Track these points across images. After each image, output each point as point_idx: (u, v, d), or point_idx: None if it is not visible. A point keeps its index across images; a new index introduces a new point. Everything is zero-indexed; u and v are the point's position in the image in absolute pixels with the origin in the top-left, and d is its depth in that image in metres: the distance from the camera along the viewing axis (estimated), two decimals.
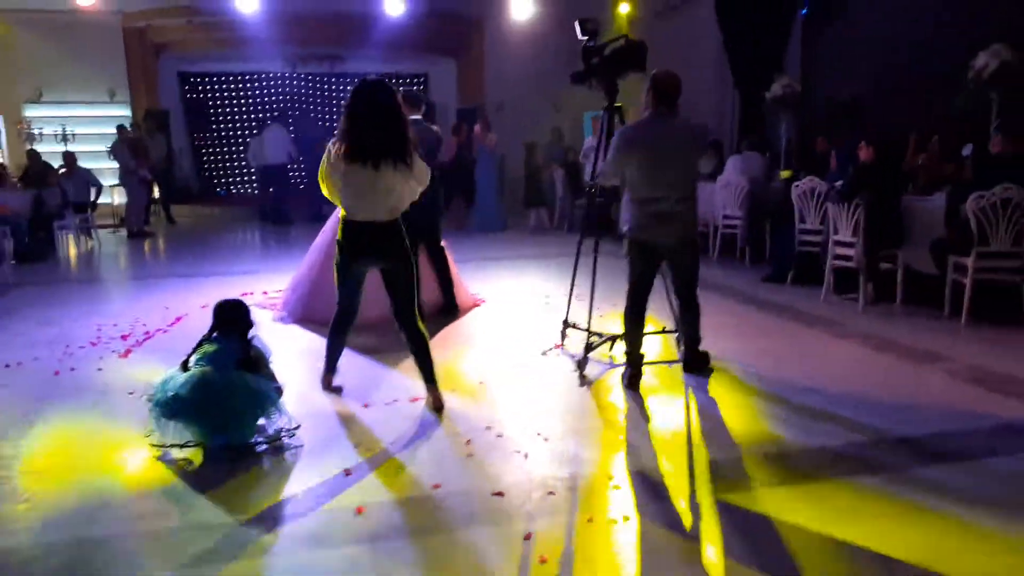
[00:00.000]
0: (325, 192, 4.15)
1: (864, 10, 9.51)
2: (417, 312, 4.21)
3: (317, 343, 4.50)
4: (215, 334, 3.82)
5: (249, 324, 3.87)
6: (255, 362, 3.78)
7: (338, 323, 4.38)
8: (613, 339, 5.08)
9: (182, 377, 3.62)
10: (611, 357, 5.10)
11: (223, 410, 3.56)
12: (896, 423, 3.88)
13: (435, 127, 6.32)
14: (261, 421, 3.68)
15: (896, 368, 4.86)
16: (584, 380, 4.67)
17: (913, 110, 8.38)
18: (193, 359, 3.71)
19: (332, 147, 3.99)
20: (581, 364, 4.81)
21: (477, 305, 6.76)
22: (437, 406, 4.18)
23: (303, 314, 6.06)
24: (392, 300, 4.20)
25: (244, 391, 3.62)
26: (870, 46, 9.29)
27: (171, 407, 3.54)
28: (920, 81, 8.38)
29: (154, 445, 3.59)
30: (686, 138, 4.45)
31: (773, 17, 10.58)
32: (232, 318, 3.85)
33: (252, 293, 7.06)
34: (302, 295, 6.16)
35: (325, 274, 5.35)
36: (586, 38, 4.88)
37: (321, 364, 4.51)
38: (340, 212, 4.15)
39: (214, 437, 3.56)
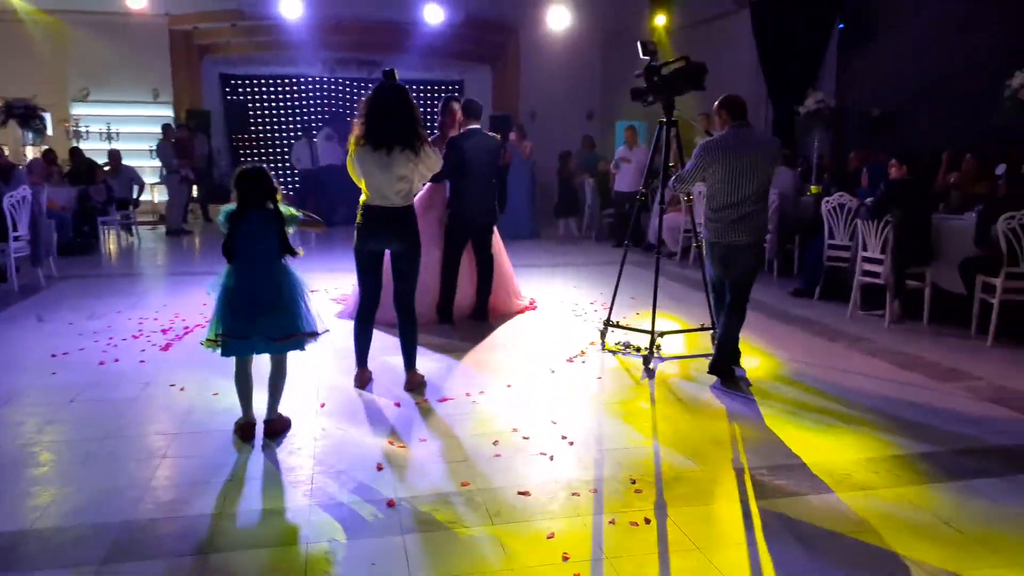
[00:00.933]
0: (354, 179, 4.46)
1: (902, 25, 9.48)
2: (413, 300, 4.60)
3: (373, 343, 4.78)
4: (245, 207, 3.75)
5: (274, 189, 3.79)
6: (290, 221, 3.82)
7: (360, 315, 4.65)
8: (662, 335, 5.39)
9: (227, 268, 3.76)
10: (657, 351, 5.34)
11: (269, 298, 3.69)
12: (913, 439, 3.94)
13: (494, 134, 6.44)
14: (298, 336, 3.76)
15: (918, 385, 4.89)
16: (651, 373, 5.04)
17: (948, 128, 8.36)
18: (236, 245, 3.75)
19: (352, 137, 4.37)
20: (647, 360, 5.18)
21: (523, 311, 6.79)
22: (412, 387, 4.62)
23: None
24: (395, 282, 4.57)
25: (287, 279, 3.78)
26: (907, 62, 9.26)
27: (221, 297, 3.70)
28: (956, 98, 8.36)
29: (209, 340, 3.71)
30: (765, 147, 4.75)
31: (809, 31, 10.56)
32: (257, 186, 3.75)
33: (316, 291, 7.23)
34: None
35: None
36: (648, 57, 5.18)
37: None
38: (362, 198, 4.45)
39: (262, 325, 3.67)
